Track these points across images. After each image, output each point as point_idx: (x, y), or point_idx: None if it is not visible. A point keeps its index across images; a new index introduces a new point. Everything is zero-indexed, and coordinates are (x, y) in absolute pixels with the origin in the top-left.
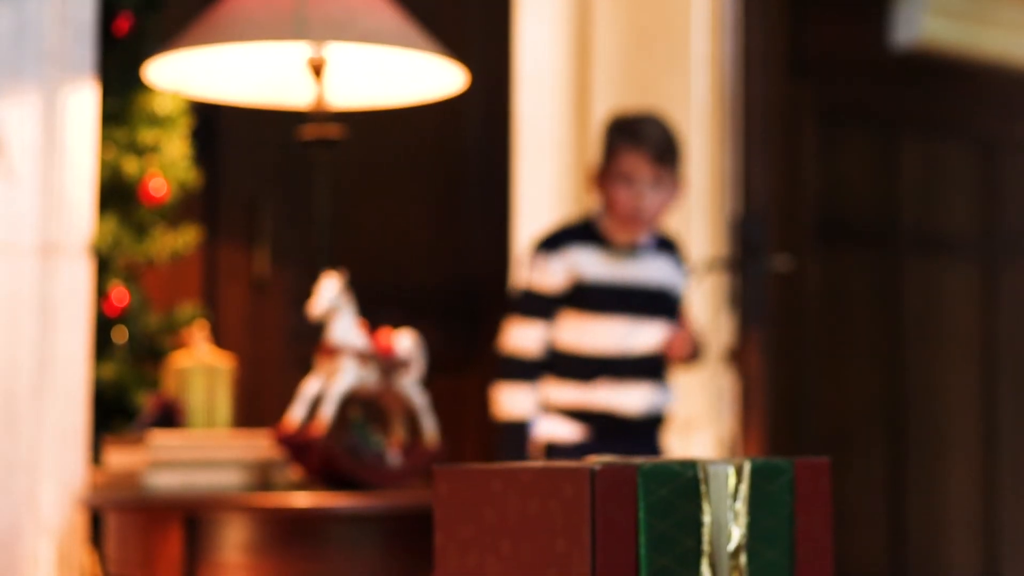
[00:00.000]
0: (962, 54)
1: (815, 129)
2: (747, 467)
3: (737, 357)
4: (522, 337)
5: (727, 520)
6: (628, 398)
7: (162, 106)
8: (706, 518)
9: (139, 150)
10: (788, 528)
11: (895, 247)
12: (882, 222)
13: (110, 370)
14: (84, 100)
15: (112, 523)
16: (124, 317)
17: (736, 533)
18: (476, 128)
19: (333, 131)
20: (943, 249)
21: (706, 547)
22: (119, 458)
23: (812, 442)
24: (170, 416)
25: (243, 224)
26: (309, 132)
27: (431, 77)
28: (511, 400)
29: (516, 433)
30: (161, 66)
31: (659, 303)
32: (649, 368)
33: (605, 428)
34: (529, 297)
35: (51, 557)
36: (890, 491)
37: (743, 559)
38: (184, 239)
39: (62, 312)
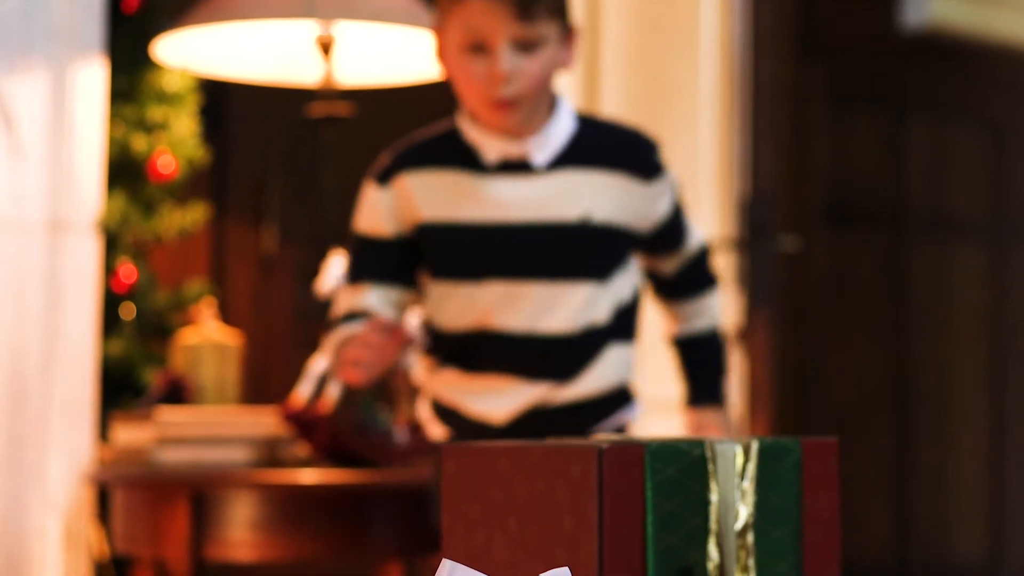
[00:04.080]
0: (972, 36)
1: (824, 111)
2: (755, 447)
3: (744, 337)
4: (341, 308)
5: (734, 499)
6: (500, 402)
7: (171, 83)
8: (713, 497)
9: (147, 127)
10: (795, 508)
11: (903, 229)
12: (890, 204)
13: (118, 347)
14: (93, 77)
15: (119, 499)
16: (132, 294)
17: (743, 512)
18: None
19: (341, 109)
20: (951, 231)
21: (713, 526)
22: (126, 434)
23: (819, 423)
24: (177, 393)
25: (251, 202)
26: (317, 110)
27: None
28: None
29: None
30: (170, 43)
31: (581, 249)
32: (569, 361)
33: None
34: (356, 250)
35: (58, 533)
36: (897, 472)
37: (750, 538)
38: (192, 216)
39: (70, 289)
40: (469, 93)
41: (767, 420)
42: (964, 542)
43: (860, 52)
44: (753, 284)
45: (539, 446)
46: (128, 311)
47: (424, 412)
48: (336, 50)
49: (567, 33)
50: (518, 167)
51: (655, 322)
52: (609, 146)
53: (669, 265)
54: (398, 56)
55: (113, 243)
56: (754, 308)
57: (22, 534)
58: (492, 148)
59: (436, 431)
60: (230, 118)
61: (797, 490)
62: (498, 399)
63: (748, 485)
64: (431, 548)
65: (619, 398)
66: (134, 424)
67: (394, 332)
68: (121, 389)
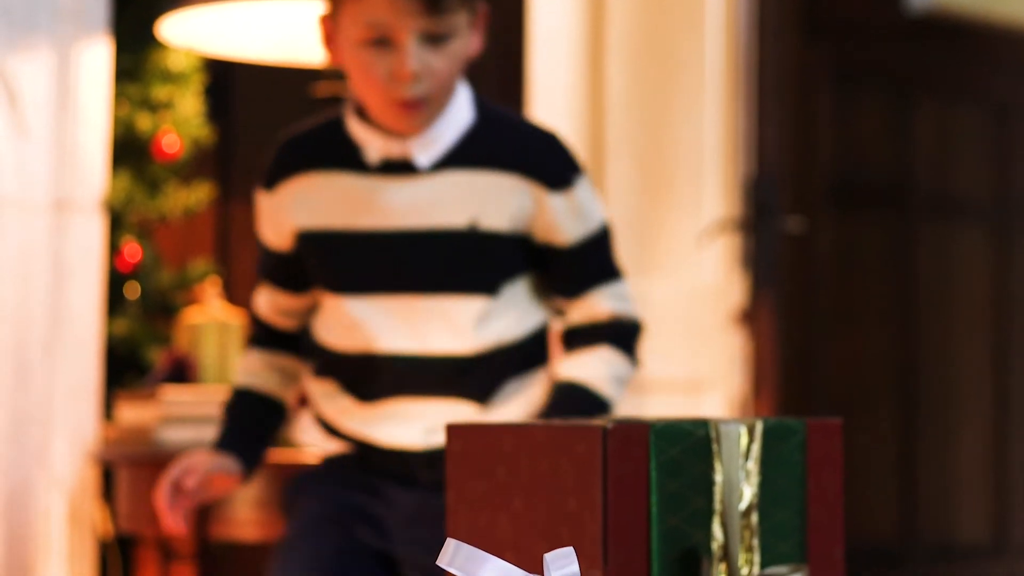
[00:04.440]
0: (978, 18)
1: (829, 91)
2: (759, 427)
3: (748, 318)
4: (256, 303)
5: (739, 480)
6: (396, 428)
7: (176, 63)
8: (718, 477)
9: (152, 106)
10: (800, 488)
11: (908, 210)
12: (896, 185)
13: (122, 326)
14: (98, 56)
15: (124, 478)
16: (136, 273)
17: (748, 493)
18: (489, 89)
19: (347, 89)
20: (957, 213)
21: (717, 506)
22: (131, 413)
23: (822, 404)
24: (182, 372)
25: (256, 181)
26: (323, 90)
27: None
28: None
29: (227, 405)
30: (175, 23)
31: (470, 259)
32: (480, 384)
33: (369, 467)
34: (261, 250)
35: (62, 512)
36: (900, 454)
37: (754, 519)
38: (197, 195)
39: (75, 268)
40: (369, 92)
41: (771, 401)
42: (968, 524)
43: (866, 33)
44: (757, 265)
45: (544, 425)
46: (132, 290)
47: (309, 428)
48: None
49: (475, 17)
50: (401, 168)
51: (653, 299)
52: (509, 145)
53: (571, 316)
54: None
55: (118, 222)
56: (758, 289)
57: (26, 513)
58: (374, 146)
59: (328, 447)
60: (235, 98)
61: (801, 471)
62: (414, 423)
63: (752, 465)
64: None
65: None
66: (138, 403)
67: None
68: (125, 368)
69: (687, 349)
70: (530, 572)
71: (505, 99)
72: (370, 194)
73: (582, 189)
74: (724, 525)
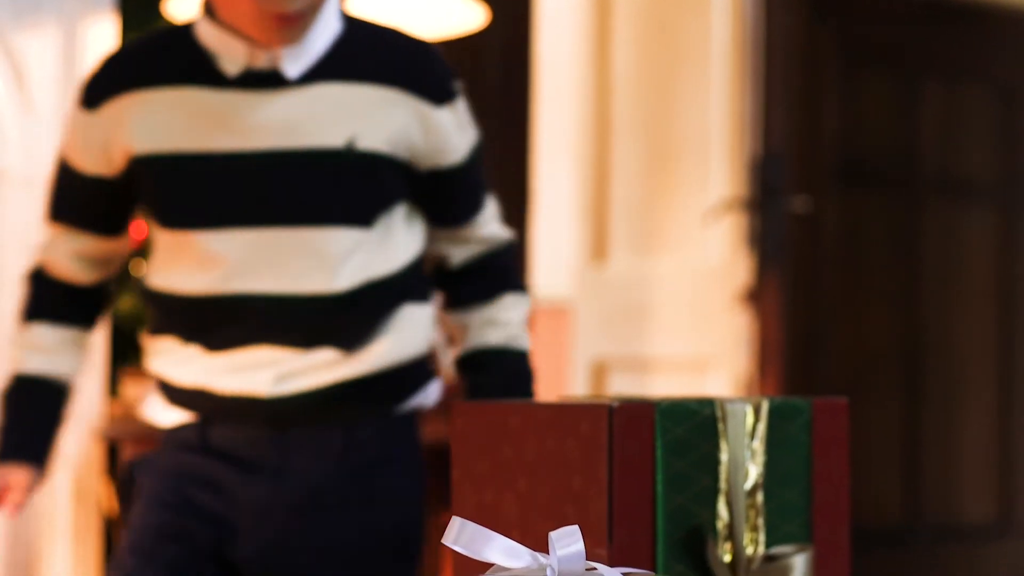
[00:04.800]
0: None
1: (836, 71)
2: (765, 406)
3: (754, 298)
4: (44, 251)
5: (744, 459)
6: (266, 375)
7: None
8: (723, 457)
9: None
10: (805, 468)
11: (914, 190)
12: (902, 165)
13: (128, 303)
14: (104, 33)
15: (128, 455)
16: (142, 250)
17: (753, 472)
18: (496, 66)
19: None
20: (962, 193)
21: (723, 485)
22: (136, 391)
23: (828, 384)
24: None
25: None
26: None
27: (451, 14)
28: (12, 348)
29: (10, 398)
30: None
31: (343, 185)
32: (350, 327)
33: (209, 444)
34: (57, 177)
35: (68, 488)
36: (905, 435)
37: (760, 498)
38: None
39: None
40: (239, 3)
41: (776, 380)
42: (972, 504)
43: (873, 13)
44: (763, 245)
45: (550, 404)
46: (138, 267)
47: (151, 399)
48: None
49: None
50: (266, 80)
51: (660, 279)
52: (385, 55)
53: (458, 251)
54: (409, 14)
55: None
56: (764, 269)
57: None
58: (233, 56)
59: (169, 417)
60: None
61: (807, 450)
62: (264, 371)
63: (758, 445)
64: (440, 505)
65: (419, 374)
66: (144, 381)
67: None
68: (130, 346)
69: (693, 328)
70: (535, 551)
71: (511, 78)
72: (228, 110)
73: (462, 99)
74: (729, 504)
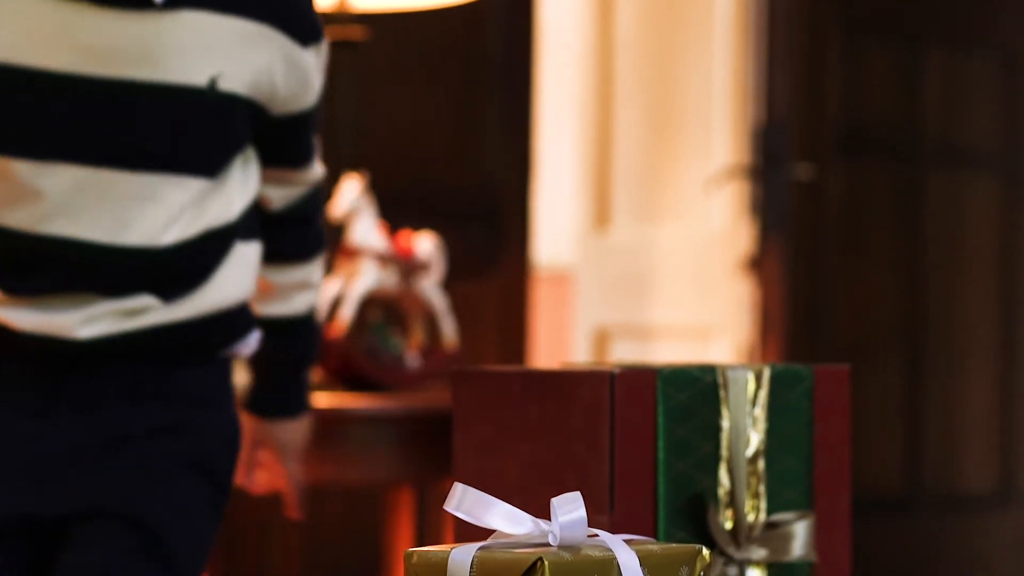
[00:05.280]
0: None
1: (839, 39)
2: (766, 373)
3: (756, 265)
4: None
5: (746, 426)
6: (72, 315)
7: None
8: (725, 423)
9: None
10: (807, 435)
11: (917, 159)
12: (904, 134)
13: None
14: None
15: None
16: None
17: (755, 439)
18: (500, 32)
19: (356, 33)
20: (965, 161)
21: (724, 452)
22: None
23: (829, 352)
24: None
25: None
26: (331, 34)
27: None
28: None
29: None
30: None
31: (198, 128)
32: (176, 280)
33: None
34: None
35: None
36: (907, 403)
37: (761, 465)
38: None
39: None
40: None
41: (778, 348)
42: (973, 473)
43: None
44: (766, 213)
45: (552, 371)
46: None
47: None
48: None
49: None
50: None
51: (661, 246)
52: None
53: (281, 193)
54: None
55: None
56: (766, 236)
57: None
58: None
59: None
60: None
61: (808, 417)
62: (71, 312)
63: (760, 412)
64: (442, 472)
65: (241, 321)
66: None
67: None
68: None
69: (695, 296)
70: (537, 517)
71: (515, 41)
72: (73, 24)
73: (325, 40)
74: (731, 471)
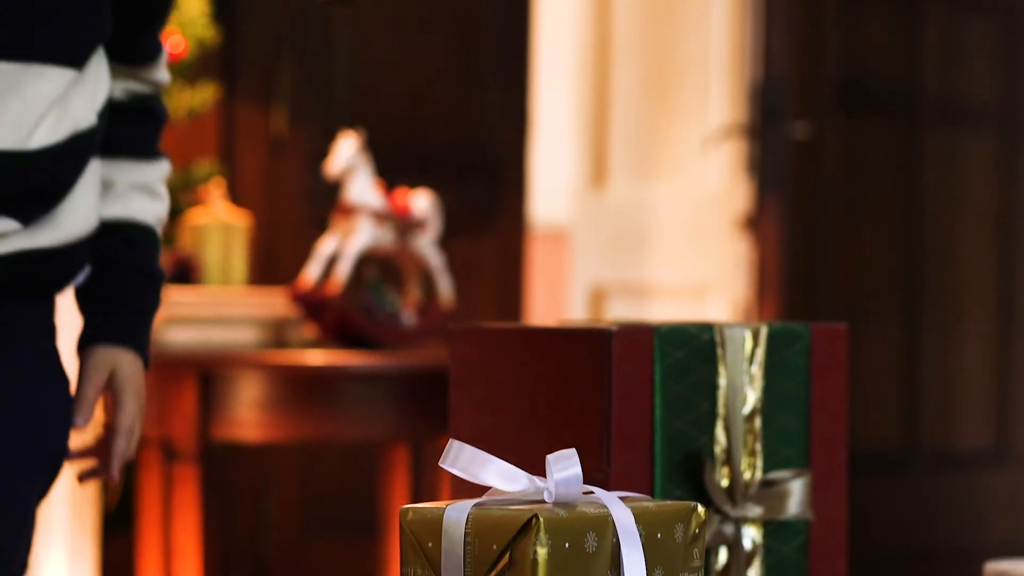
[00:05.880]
0: None
1: None
2: (764, 331)
3: (754, 224)
4: None
5: (743, 384)
6: None
7: None
8: (722, 381)
9: None
10: (804, 393)
11: (915, 116)
12: (903, 91)
13: None
14: None
15: None
16: None
17: (751, 397)
18: None
19: None
20: (964, 119)
21: (721, 410)
22: None
23: (826, 311)
24: (186, 273)
25: (261, 82)
26: None
27: None
28: None
29: None
30: None
31: (64, 9)
32: (39, 193)
33: None
34: None
35: None
36: (904, 361)
37: (758, 423)
38: (201, 96)
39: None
40: None
41: (775, 306)
42: (970, 430)
43: None
44: (763, 171)
45: (549, 328)
46: None
47: None
48: None
49: None
50: None
51: (658, 204)
52: None
53: (124, 85)
54: None
55: None
56: (764, 195)
57: None
58: None
59: None
60: None
61: (805, 376)
62: None
63: (757, 370)
64: (438, 429)
65: (86, 252)
66: None
67: None
68: None
69: (692, 254)
70: (532, 474)
71: (512, 4)
72: None
73: None
74: (727, 429)
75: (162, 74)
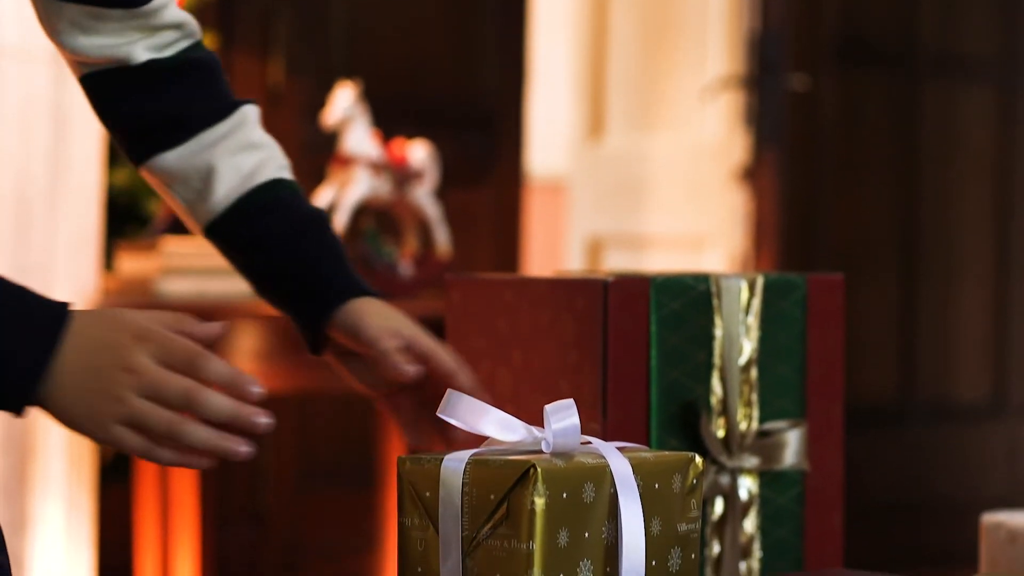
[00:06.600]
0: None
1: None
2: (760, 282)
3: (751, 175)
4: None
5: (739, 334)
6: None
7: None
8: (718, 332)
9: None
10: (800, 344)
11: (913, 68)
12: (901, 43)
13: (123, 176)
14: None
15: None
16: None
17: (747, 348)
18: None
19: None
20: (962, 71)
21: (717, 361)
22: (132, 264)
23: (823, 262)
24: (182, 223)
25: (258, 33)
26: None
27: None
28: None
29: None
30: None
31: None
32: None
33: None
34: None
35: None
36: (901, 313)
37: (754, 373)
38: None
39: (76, 118)
40: None
41: (772, 258)
42: (967, 383)
43: None
44: (760, 122)
45: (545, 279)
46: None
47: None
48: None
49: None
50: None
51: (655, 156)
52: None
53: (142, 44)
54: None
55: None
56: (761, 146)
57: None
58: None
59: None
60: None
61: (802, 326)
62: None
63: (753, 320)
64: None
65: None
66: (139, 254)
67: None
68: (126, 219)
69: (689, 205)
70: (530, 424)
71: None
72: None
73: None
74: (723, 380)
75: (176, 12)
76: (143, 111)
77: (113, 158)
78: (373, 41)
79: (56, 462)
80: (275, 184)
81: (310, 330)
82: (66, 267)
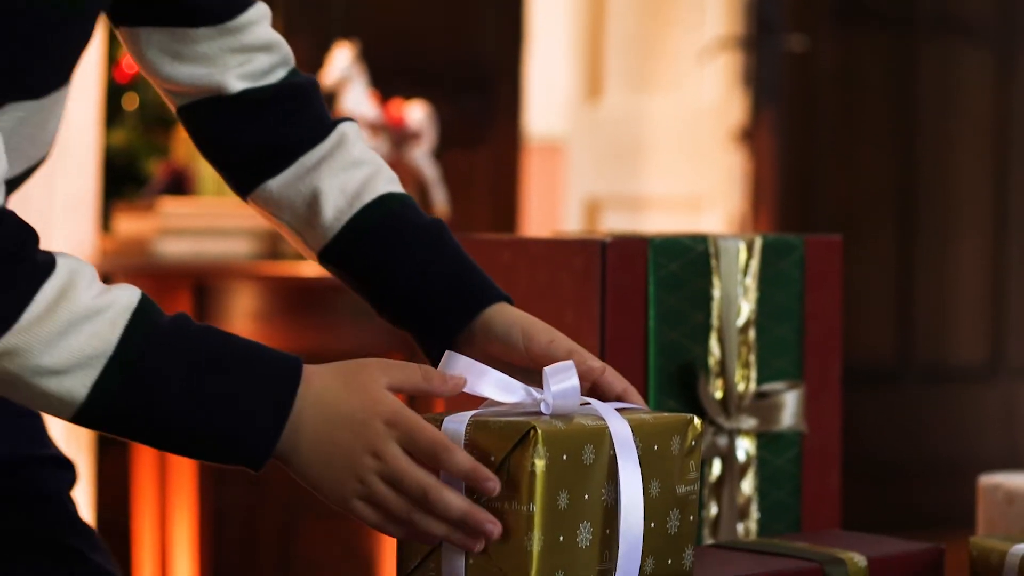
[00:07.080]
0: None
1: None
2: (758, 243)
3: (749, 136)
4: None
5: (737, 295)
6: None
7: None
8: (716, 293)
9: None
10: (798, 305)
11: (911, 28)
12: (899, 2)
13: (120, 137)
14: None
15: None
16: (135, 84)
17: (745, 308)
18: None
19: None
20: (960, 31)
21: (715, 322)
22: (129, 225)
23: (821, 223)
24: (180, 184)
25: None
26: None
27: None
28: None
29: None
30: None
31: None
32: None
33: None
34: None
35: None
36: (899, 274)
37: (752, 334)
38: None
39: (73, 79)
40: None
41: (770, 219)
42: (964, 344)
43: None
44: (758, 83)
45: (543, 239)
46: (131, 101)
47: None
48: None
49: None
50: None
51: (653, 117)
52: None
53: (235, 71)
54: None
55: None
56: (759, 107)
57: None
58: None
59: None
60: None
61: (800, 287)
62: None
63: (751, 281)
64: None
65: None
66: (136, 215)
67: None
68: (123, 180)
69: (687, 167)
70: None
71: None
72: None
73: None
74: (721, 340)
75: (267, 32)
76: (240, 142)
77: (111, 118)
78: (371, 1)
79: (54, 423)
80: (385, 199)
81: (438, 340)
82: (63, 228)
